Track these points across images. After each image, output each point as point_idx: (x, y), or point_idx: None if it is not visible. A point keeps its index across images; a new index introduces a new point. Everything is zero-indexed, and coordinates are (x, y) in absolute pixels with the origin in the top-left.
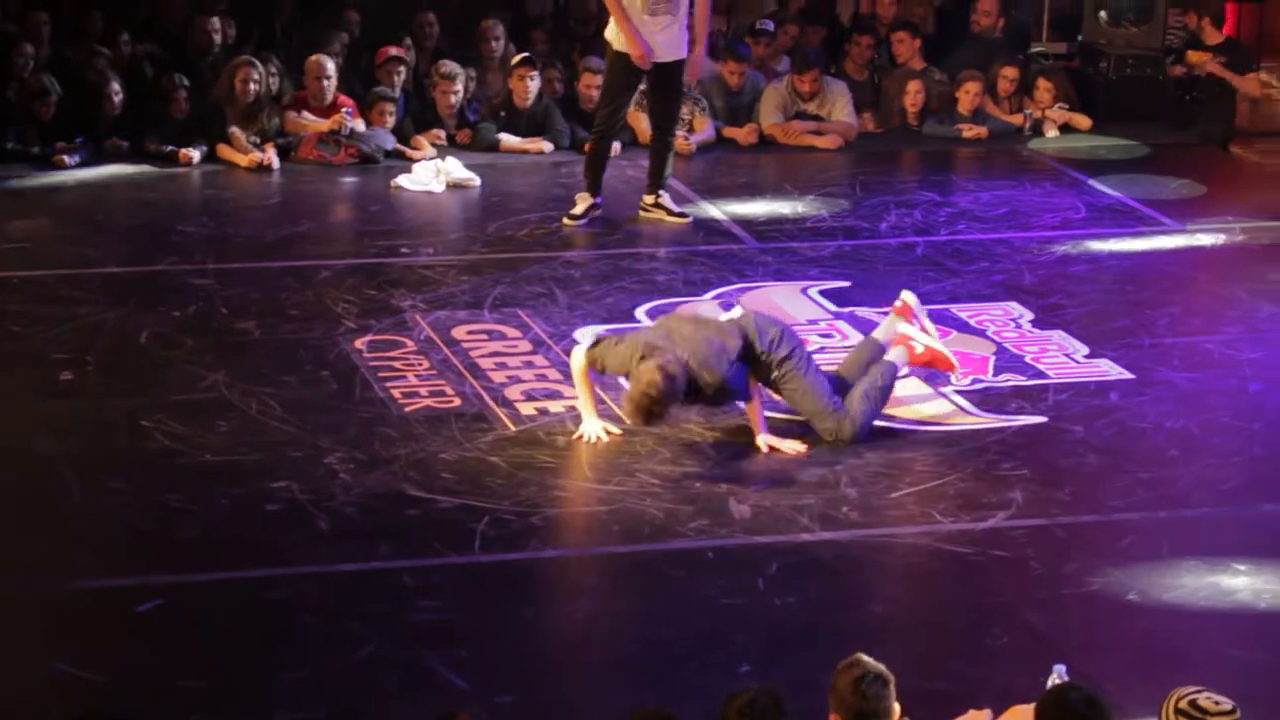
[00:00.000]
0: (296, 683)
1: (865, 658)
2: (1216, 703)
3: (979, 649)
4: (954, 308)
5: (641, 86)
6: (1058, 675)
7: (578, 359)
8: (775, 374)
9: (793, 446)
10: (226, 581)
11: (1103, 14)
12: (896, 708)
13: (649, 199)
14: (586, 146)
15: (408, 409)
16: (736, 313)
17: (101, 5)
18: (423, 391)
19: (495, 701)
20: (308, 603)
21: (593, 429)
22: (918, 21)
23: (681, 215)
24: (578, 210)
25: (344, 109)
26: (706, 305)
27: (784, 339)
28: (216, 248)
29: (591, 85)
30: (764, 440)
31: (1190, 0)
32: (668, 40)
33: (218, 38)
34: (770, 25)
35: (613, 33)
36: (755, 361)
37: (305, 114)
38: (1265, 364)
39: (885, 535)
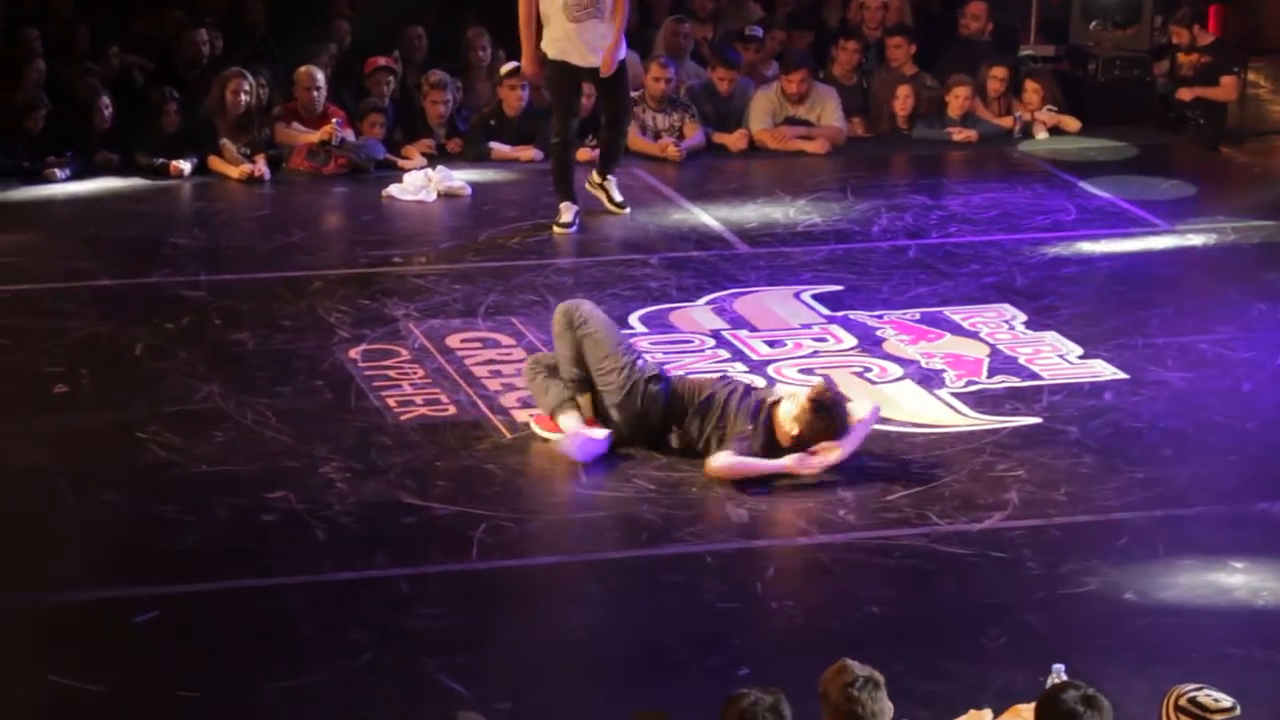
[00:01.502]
0: (295, 692)
1: (852, 662)
2: (1216, 700)
3: (978, 649)
4: (947, 310)
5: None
6: (1056, 675)
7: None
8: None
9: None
10: (224, 592)
11: (1094, 25)
12: (890, 707)
13: (595, 178)
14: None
15: (403, 417)
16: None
17: (90, 18)
18: (417, 400)
19: (494, 708)
20: (305, 612)
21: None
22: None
23: (621, 206)
24: (566, 218)
25: (334, 119)
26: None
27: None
28: (209, 259)
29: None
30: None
31: (1173, 1)
32: (600, 44)
33: (206, 49)
34: (759, 31)
35: (546, 42)
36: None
37: (295, 125)
38: (1258, 363)
39: (882, 537)
